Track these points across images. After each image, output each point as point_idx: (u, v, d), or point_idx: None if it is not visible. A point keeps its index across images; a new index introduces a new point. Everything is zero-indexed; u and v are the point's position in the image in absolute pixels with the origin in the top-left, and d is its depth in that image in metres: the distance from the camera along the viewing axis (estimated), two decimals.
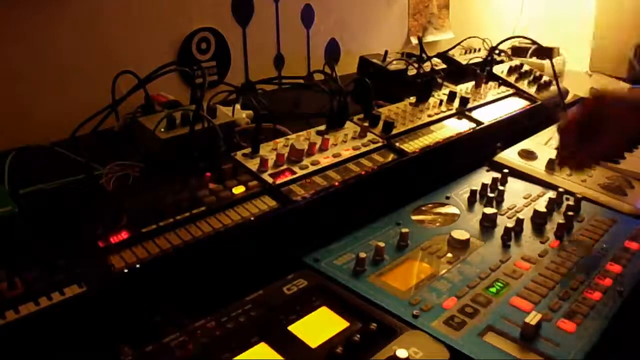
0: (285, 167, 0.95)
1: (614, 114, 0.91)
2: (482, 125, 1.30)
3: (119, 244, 0.72)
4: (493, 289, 0.77)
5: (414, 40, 2.01)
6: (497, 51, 1.79)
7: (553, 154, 1.19)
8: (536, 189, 1.09)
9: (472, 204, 1.02)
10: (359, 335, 0.63)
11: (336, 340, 0.64)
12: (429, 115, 1.26)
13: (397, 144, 1.11)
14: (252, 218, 0.83)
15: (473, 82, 1.51)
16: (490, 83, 1.54)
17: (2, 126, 1.06)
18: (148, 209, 0.78)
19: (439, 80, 1.45)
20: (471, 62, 1.71)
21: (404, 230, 0.87)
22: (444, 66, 1.58)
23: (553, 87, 1.62)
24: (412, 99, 1.33)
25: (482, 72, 1.54)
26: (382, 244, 0.83)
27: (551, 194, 1.05)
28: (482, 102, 1.42)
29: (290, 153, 0.98)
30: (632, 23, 1.81)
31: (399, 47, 1.99)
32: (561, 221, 0.93)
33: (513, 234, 0.91)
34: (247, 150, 0.98)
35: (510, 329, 0.70)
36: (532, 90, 1.57)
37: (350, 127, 1.13)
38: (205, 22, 1.39)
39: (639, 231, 0.96)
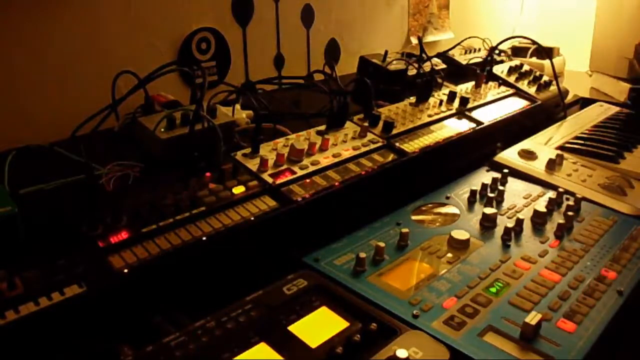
0: (285, 167, 0.95)
1: None
2: (482, 125, 1.30)
3: (119, 244, 0.72)
4: (493, 289, 0.77)
5: (414, 40, 2.01)
6: (497, 51, 1.79)
7: (553, 154, 1.19)
8: (536, 189, 1.09)
9: (472, 204, 1.02)
10: (359, 335, 0.63)
11: (336, 340, 0.64)
12: (429, 115, 1.26)
13: (397, 144, 1.11)
14: (252, 218, 0.83)
15: (473, 82, 1.51)
16: (490, 83, 1.54)
17: (2, 126, 1.06)
18: (148, 209, 0.78)
19: (439, 80, 1.45)
20: (471, 62, 1.71)
21: (404, 230, 0.87)
22: (444, 66, 1.58)
23: (553, 87, 1.62)
24: (412, 99, 1.33)
25: (482, 72, 1.54)
26: (382, 244, 0.83)
27: (551, 194, 1.05)
28: (482, 102, 1.42)
29: (290, 153, 0.98)
30: (632, 23, 1.81)
31: (399, 47, 1.99)
32: (561, 221, 0.93)
33: (513, 234, 0.91)
34: (247, 150, 0.98)
35: (510, 329, 0.70)
36: (532, 90, 1.58)
37: (350, 127, 1.13)
38: (205, 22, 1.39)
39: (639, 231, 0.96)
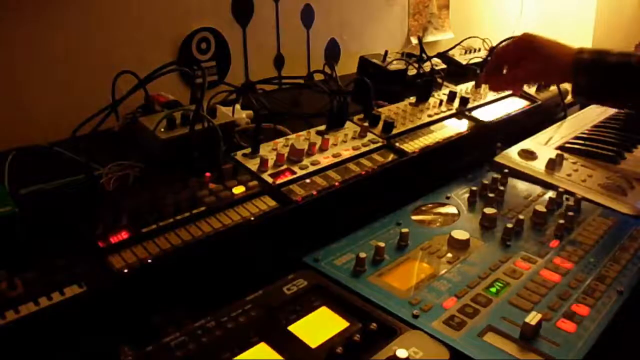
0: (285, 167, 0.95)
1: (540, 48, 1.07)
2: (482, 125, 1.30)
3: (119, 244, 0.72)
4: (493, 289, 0.77)
5: (414, 40, 2.01)
6: None
7: (553, 154, 1.19)
8: (536, 189, 1.09)
9: (472, 204, 1.02)
10: (359, 335, 0.63)
11: (336, 340, 0.64)
12: (429, 115, 1.26)
13: (397, 144, 1.11)
14: (252, 218, 0.83)
15: (473, 82, 1.51)
16: None
17: (2, 126, 1.06)
18: (148, 209, 0.78)
19: (439, 80, 1.45)
20: (471, 62, 1.71)
21: (404, 230, 0.87)
22: (444, 66, 1.58)
23: (553, 87, 1.62)
24: (412, 99, 1.33)
25: (482, 72, 1.54)
26: (382, 244, 0.83)
27: (551, 194, 1.05)
28: (482, 102, 1.42)
29: (290, 153, 0.98)
30: (632, 23, 1.81)
31: (399, 47, 1.99)
32: (561, 221, 0.93)
33: (513, 234, 0.91)
34: (247, 150, 0.98)
35: (510, 329, 0.70)
36: (532, 90, 1.57)
37: (350, 127, 1.13)
38: (205, 22, 1.39)
39: (639, 231, 0.96)
